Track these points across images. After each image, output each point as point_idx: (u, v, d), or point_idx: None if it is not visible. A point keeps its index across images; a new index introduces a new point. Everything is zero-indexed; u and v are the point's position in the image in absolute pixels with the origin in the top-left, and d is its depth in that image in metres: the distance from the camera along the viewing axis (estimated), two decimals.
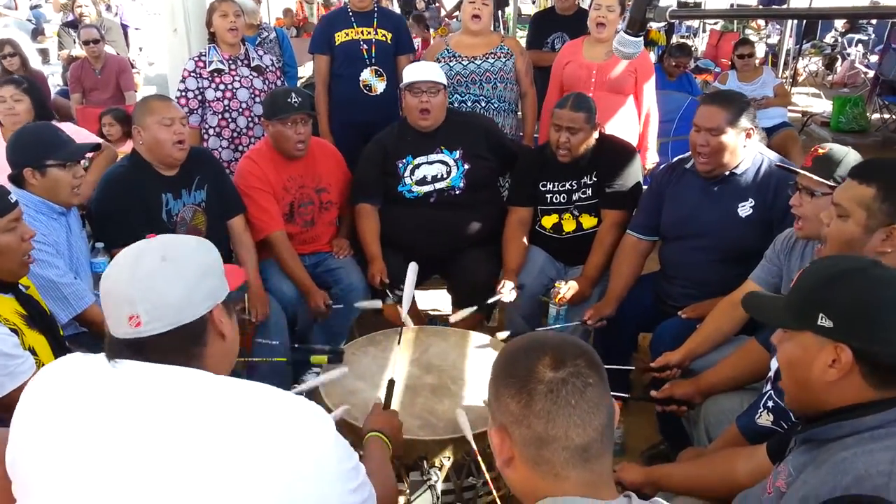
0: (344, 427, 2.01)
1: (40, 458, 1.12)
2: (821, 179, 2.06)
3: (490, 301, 2.94)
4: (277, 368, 2.75)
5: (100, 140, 3.58)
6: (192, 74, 3.59)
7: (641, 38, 1.83)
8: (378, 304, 2.88)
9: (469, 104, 3.77)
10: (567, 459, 1.02)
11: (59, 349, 2.09)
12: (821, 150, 2.12)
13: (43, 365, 1.98)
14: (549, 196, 3.14)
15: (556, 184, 3.12)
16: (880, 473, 1.15)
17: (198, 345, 1.19)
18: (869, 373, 1.24)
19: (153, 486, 1.05)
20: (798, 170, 2.15)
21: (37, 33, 8.55)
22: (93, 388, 1.14)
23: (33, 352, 1.96)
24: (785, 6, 9.60)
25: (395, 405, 2.10)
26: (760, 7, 10.11)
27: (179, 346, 1.17)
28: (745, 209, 2.59)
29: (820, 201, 2.04)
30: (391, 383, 1.99)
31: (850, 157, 2.08)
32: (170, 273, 1.17)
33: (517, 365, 1.07)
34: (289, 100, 2.99)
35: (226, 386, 1.15)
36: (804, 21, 10.18)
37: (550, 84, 3.84)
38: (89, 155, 3.72)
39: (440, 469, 1.93)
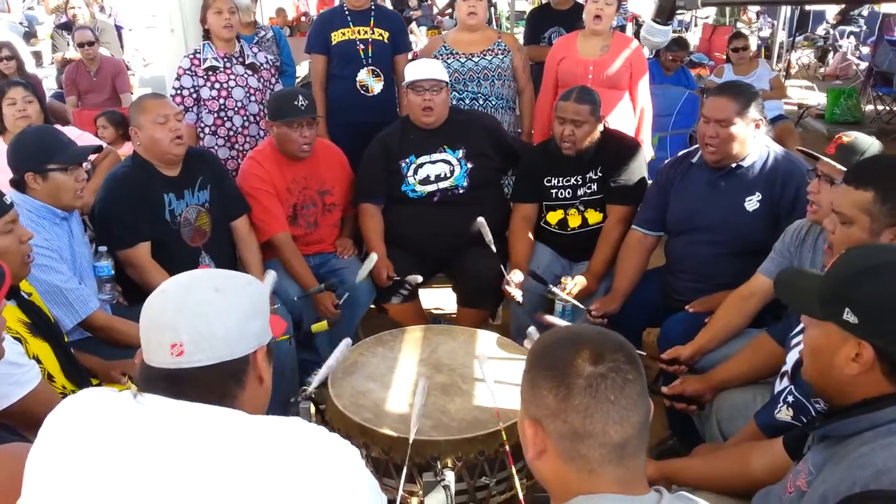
0: (354, 429, 2.00)
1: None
2: (842, 168, 2.03)
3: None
4: (280, 354, 2.76)
5: (101, 142, 3.56)
6: (188, 72, 3.57)
7: (670, 27, 1.82)
8: (374, 256, 2.85)
9: (467, 101, 3.77)
10: (603, 456, 1.01)
11: (64, 356, 2.07)
12: (845, 139, 2.10)
13: (48, 373, 1.97)
14: (554, 192, 3.13)
15: (561, 179, 3.12)
16: None
17: (236, 385, 1.13)
18: (890, 371, 1.23)
19: None
20: (820, 156, 2.13)
21: (29, 36, 8.50)
22: (115, 428, 1.06)
23: (38, 360, 1.93)
24: None
25: (405, 405, 2.09)
26: None
27: (218, 383, 1.11)
28: (752, 203, 2.58)
29: (839, 189, 2.03)
30: None
31: (873, 147, 2.07)
32: (222, 305, 1.12)
33: (555, 358, 1.05)
34: (295, 102, 2.97)
35: (258, 427, 1.07)
36: (796, 13, 10.20)
37: (544, 80, 3.83)
38: (92, 158, 3.71)
39: (453, 469, 1.92)
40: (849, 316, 1.24)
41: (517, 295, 2.93)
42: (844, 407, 1.29)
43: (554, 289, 2.85)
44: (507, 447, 1.89)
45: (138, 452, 1.02)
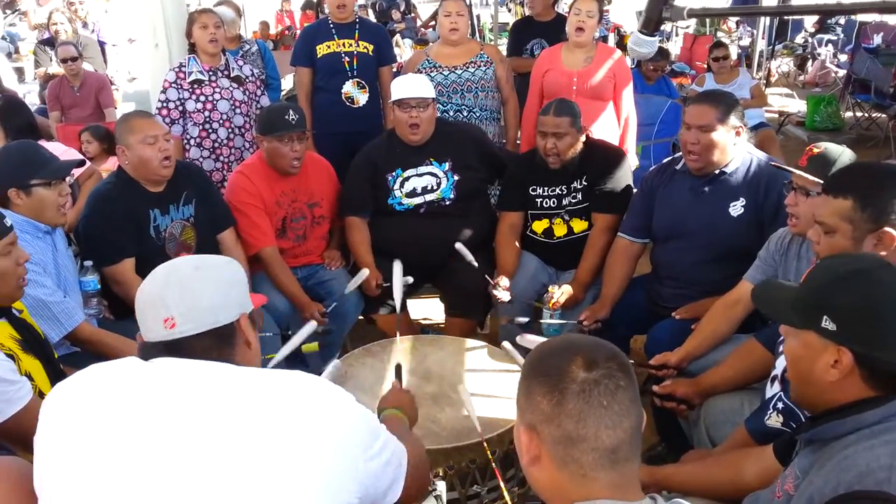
0: None
1: (76, 457, 1.14)
2: (815, 179, 2.06)
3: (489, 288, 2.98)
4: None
5: (83, 157, 3.55)
6: (174, 85, 3.57)
7: (657, 38, 1.85)
8: (366, 272, 2.91)
9: (451, 114, 3.80)
10: (596, 460, 1.03)
11: (54, 373, 2.05)
12: (816, 150, 2.13)
13: (39, 390, 1.95)
14: (539, 201, 3.16)
15: (546, 189, 3.14)
16: (881, 468, 1.17)
17: (228, 347, 1.27)
18: (868, 376, 1.26)
19: (187, 469, 1.09)
20: (793, 170, 2.17)
21: (11, 52, 8.46)
22: (128, 382, 1.20)
23: (29, 377, 1.92)
24: (795, 3, 9.49)
25: None
26: (775, 5, 9.99)
27: (210, 347, 1.25)
28: (736, 209, 2.61)
29: (815, 200, 2.03)
30: (398, 368, 2.04)
31: (844, 156, 2.10)
32: (203, 280, 1.28)
33: (550, 364, 1.08)
34: (286, 117, 2.97)
35: (253, 374, 1.22)
36: (776, 22, 10.32)
37: (530, 92, 3.86)
38: (77, 174, 3.69)
39: (444, 478, 1.92)
40: (827, 323, 1.27)
41: (504, 296, 2.95)
42: (828, 411, 1.31)
43: (538, 304, 2.88)
44: (493, 462, 1.89)
45: (153, 400, 1.15)
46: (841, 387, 1.28)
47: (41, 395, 1.94)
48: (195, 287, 1.26)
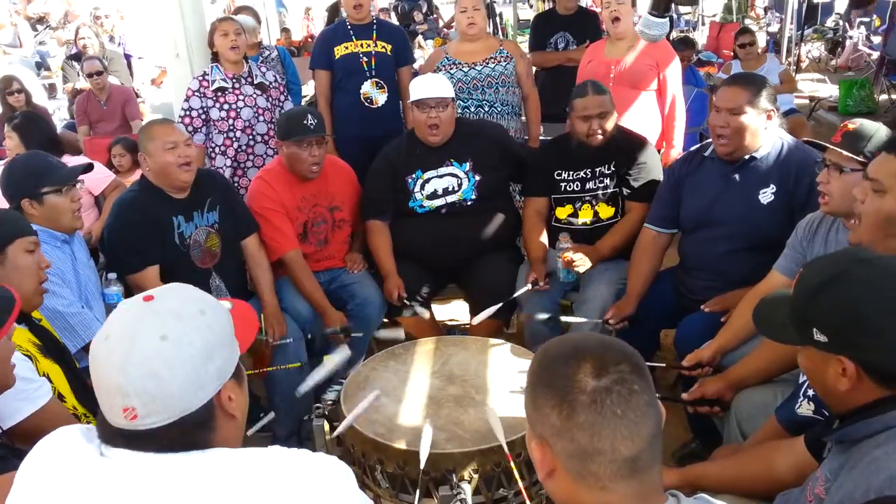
0: (368, 444, 1.98)
1: None
2: (850, 155, 2.00)
3: (517, 294, 2.97)
4: (293, 378, 2.75)
5: (91, 161, 3.58)
6: (196, 94, 3.58)
7: (667, 20, 1.80)
8: (401, 333, 2.85)
9: (472, 110, 3.76)
10: (615, 472, 0.96)
11: (74, 378, 2.05)
12: (850, 126, 2.07)
13: (58, 392, 1.96)
14: (563, 185, 3.12)
15: (571, 172, 3.10)
16: None
17: (205, 432, 1.03)
18: (879, 379, 1.23)
19: None
20: (827, 144, 2.09)
21: (41, 68, 8.64)
22: (79, 484, 0.99)
23: (48, 378, 1.92)
24: None
25: (419, 416, 2.06)
26: None
27: (181, 438, 1.01)
28: (766, 195, 2.53)
29: (848, 178, 1.97)
30: None
31: (880, 132, 2.03)
32: (171, 356, 1.00)
33: (556, 373, 1.00)
34: (304, 122, 2.96)
35: (233, 468, 1.01)
36: (804, 6, 10.11)
37: (577, 84, 3.83)
38: (103, 188, 3.74)
39: (470, 482, 1.88)
40: (818, 336, 1.25)
41: (539, 284, 2.95)
42: (855, 410, 1.27)
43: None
44: (514, 471, 1.84)
45: None
46: (857, 394, 1.25)
47: (60, 397, 1.94)
48: (159, 369, 0.98)
